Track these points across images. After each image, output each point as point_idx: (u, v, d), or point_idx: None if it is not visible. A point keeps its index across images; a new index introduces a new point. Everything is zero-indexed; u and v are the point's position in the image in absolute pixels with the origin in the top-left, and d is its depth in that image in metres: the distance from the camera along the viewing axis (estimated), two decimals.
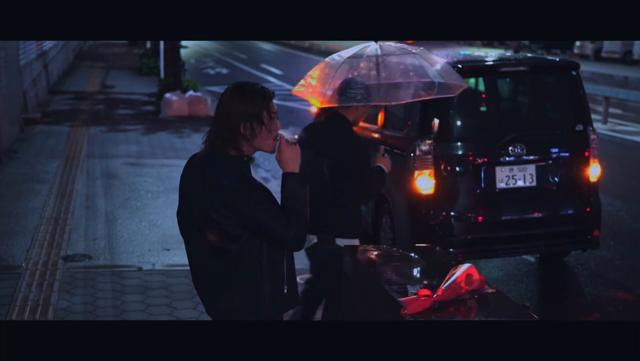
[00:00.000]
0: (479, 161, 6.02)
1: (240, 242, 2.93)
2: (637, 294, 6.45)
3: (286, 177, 3.01)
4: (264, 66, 28.52)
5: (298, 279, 3.30)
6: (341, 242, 4.42)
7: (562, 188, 6.25)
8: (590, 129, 6.33)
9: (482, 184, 6.05)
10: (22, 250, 6.75)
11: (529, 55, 8.02)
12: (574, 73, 6.40)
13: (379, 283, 3.60)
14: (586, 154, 6.30)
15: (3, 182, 9.24)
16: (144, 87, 19.60)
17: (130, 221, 7.74)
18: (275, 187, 6.69)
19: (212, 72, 26.18)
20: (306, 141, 4.47)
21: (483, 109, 6.87)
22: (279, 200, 2.98)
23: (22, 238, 7.10)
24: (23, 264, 6.38)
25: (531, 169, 6.14)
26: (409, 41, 4.85)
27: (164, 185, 9.26)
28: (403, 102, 4.79)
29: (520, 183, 6.12)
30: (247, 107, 2.94)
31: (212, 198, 2.89)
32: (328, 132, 4.50)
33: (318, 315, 4.78)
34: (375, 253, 4.16)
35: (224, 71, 26.76)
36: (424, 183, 5.95)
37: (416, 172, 5.95)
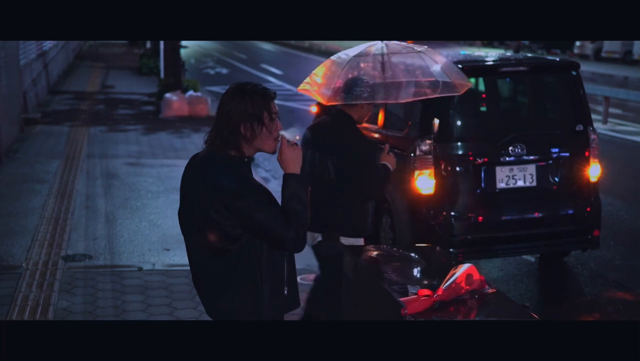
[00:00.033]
0: (479, 161, 6.02)
1: (240, 242, 2.93)
2: (637, 294, 6.44)
3: (287, 178, 2.99)
4: (264, 66, 28.51)
5: (298, 279, 3.29)
6: (346, 241, 4.42)
7: (562, 188, 6.25)
8: (591, 129, 6.33)
9: (483, 184, 6.05)
10: (22, 250, 6.75)
11: (529, 55, 8.03)
12: (574, 73, 6.40)
13: (380, 283, 3.60)
14: (586, 154, 6.30)
15: (3, 182, 9.24)
16: (144, 87, 19.60)
17: (131, 221, 7.74)
18: (275, 187, 6.70)
19: (212, 72, 26.18)
20: (311, 140, 4.47)
21: (483, 109, 6.87)
22: (279, 200, 2.98)
23: (22, 238, 7.10)
24: (23, 264, 6.38)
25: (531, 169, 6.13)
26: (409, 41, 4.84)
27: (164, 185, 9.26)
28: (408, 100, 4.78)
29: (520, 183, 6.12)
30: (247, 108, 2.92)
31: (212, 198, 2.88)
32: (333, 130, 4.49)
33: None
34: (376, 253, 4.15)
35: (224, 71, 26.76)
36: (424, 182, 5.95)
37: (416, 172, 5.95)
